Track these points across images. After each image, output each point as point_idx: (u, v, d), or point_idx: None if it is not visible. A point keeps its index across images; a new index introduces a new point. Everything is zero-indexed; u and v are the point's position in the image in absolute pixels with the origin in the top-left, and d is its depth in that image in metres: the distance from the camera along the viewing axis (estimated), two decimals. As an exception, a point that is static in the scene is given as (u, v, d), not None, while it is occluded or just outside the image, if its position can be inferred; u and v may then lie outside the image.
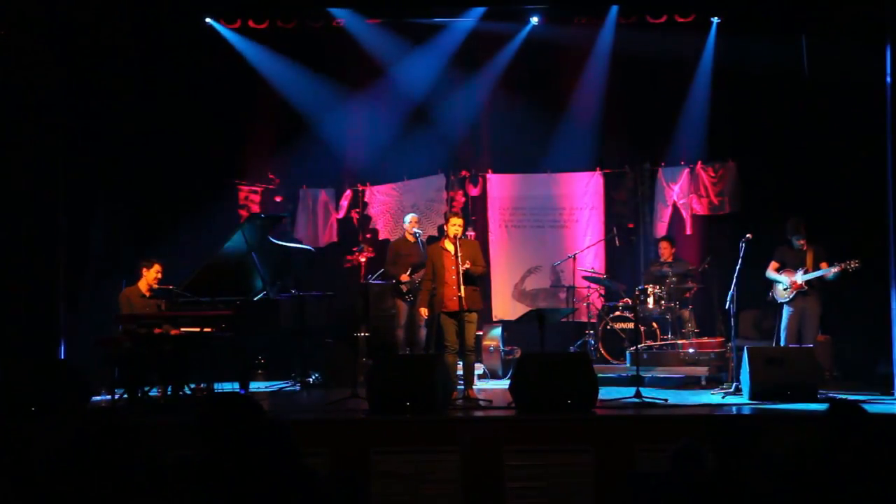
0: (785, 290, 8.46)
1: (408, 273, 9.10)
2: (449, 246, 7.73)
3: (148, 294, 8.16)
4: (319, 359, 9.22)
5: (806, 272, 8.34)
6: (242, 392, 7.68)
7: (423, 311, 8.08)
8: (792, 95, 9.53)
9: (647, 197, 10.52)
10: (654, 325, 9.35)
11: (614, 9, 9.78)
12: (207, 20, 9.85)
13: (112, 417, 2.66)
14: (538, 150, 10.45)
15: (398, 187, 10.76)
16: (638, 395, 7.44)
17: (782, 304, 8.51)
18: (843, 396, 7.57)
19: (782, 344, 8.38)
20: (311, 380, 8.92)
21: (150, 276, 8.17)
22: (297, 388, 8.76)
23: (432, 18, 10.02)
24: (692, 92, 10.13)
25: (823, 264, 8.27)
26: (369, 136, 10.61)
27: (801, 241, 8.45)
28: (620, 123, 10.35)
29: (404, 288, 9.15)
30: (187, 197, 9.90)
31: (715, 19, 9.75)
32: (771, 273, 8.56)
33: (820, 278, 8.28)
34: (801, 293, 8.38)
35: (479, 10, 9.89)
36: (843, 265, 8.13)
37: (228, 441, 2.48)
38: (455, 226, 7.73)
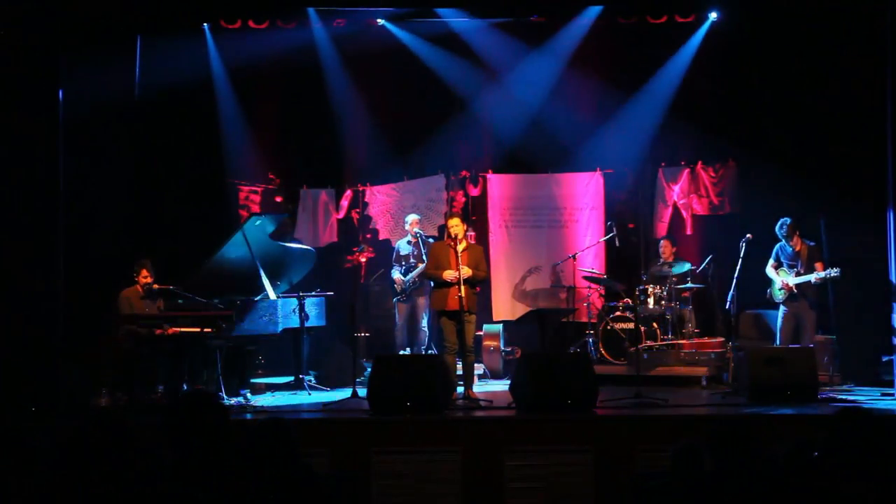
0: (779, 290, 8.48)
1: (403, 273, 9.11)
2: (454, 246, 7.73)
3: (143, 294, 8.16)
4: (319, 359, 9.21)
5: (798, 274, 8.35)
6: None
7: (449, 273, 7.63)
8: (792, 94, 9.53)
9: (647, 197, 10.52)
10: (654, 325, 9.35)
11: (612, 9, 9.77)
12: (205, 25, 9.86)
13: (112, 417, 2.64)
14: (538, 150, 10.44)
15: (398, 187, 10.75)
16: (638, 395, 7.45)
17: (778, 303, 8.53)
18: (844, 396, 7.61)
19: (778, 344, 8.39)
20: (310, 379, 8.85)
21: (142, 277, 8.15)
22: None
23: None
24: (692, 92, 10.11)
25: (818, 265, 8.27)
26: (369, 136, 10.61)
27: (793, 242, 8.47)
28: (621, 123, 10.34)
29: (397, 288, 9.15)
30: (187, 197, 9.89)
31: (712, 17, 9.72)
32: (769, 271, 8.58)
33: (809, 282, 8.28)
34: (793, 295, 8.39)
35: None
36: (823, 275, 8.15)
37: (194, 439, 2.47)
38: (454, 226, 7.72)
